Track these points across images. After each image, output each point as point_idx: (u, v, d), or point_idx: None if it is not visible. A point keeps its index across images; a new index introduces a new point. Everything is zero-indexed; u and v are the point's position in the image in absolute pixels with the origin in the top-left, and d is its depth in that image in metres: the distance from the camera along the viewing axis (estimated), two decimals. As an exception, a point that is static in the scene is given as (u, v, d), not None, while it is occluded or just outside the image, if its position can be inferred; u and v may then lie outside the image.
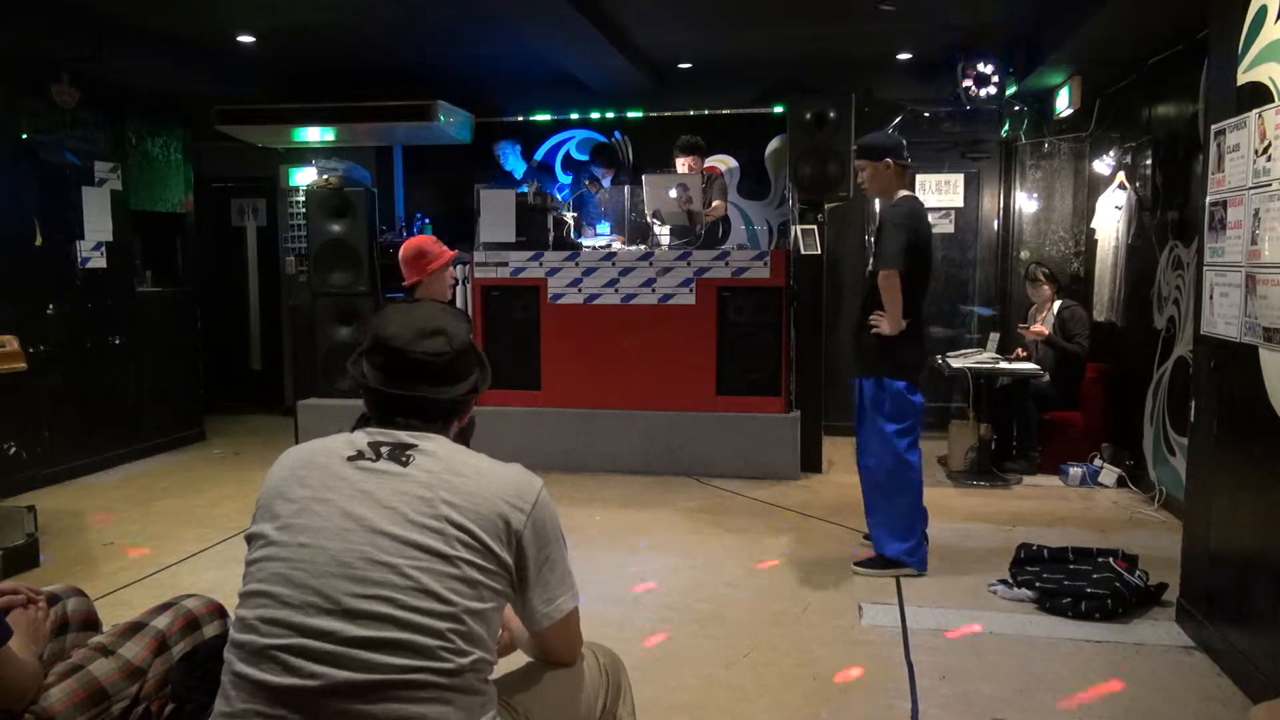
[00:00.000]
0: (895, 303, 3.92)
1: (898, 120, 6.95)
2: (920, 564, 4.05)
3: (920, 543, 4.06)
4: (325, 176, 6.58)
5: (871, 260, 4.22)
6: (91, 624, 2.03)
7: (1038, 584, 3.72)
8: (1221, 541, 3.18)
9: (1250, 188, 2.93)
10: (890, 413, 4.02)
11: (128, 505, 5.30)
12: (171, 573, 4.15)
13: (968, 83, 6.04)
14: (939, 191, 7.24)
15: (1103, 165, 6.32)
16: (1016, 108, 6.81)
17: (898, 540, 4.05)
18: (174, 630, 1.92)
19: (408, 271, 4.01)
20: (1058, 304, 6.16)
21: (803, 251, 5.94)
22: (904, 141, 4.19)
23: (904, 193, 4.08)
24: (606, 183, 6.91)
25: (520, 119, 7.64)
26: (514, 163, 7.21)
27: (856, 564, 4.12)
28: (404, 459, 1.55)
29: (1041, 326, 6.09)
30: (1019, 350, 6.30)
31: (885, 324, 3.96)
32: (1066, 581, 3.67)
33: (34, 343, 5.29)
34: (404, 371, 1.63)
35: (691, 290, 5.87)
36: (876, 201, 7.14)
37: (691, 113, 7.37)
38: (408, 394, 1.63)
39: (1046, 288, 6.20)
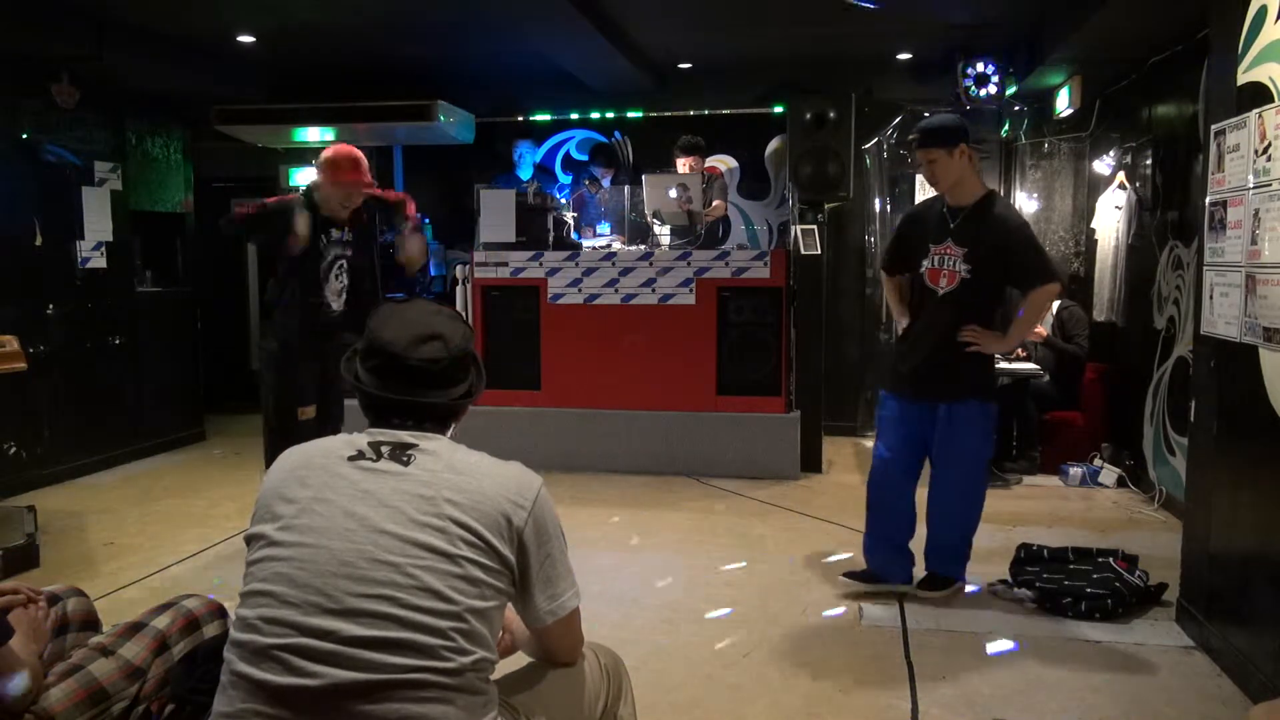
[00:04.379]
0: (1039, 320, 3.49)
1: (898, 120, 6.95)
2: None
3: None
4: (325, 176, 6.56)
5: (965, 273, 3.54)
6: (91, 624, 2.03)
7: (1038, 584, 3.72)
8: (1221, 541, 3.18)
9: (1250, 188, 2.93)
10: (988, 435, 3.74)
11: (128, 505, 5.30)
12: (171, 573, 4.15)
13: (968, 83, 6.04)
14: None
15: (1103, 165, 6.32)
16: (1016, 108, 6.81)
17: (963, 559, 3.83)
18: (174, 630, 1.93)
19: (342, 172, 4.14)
20: (1056, 304, 6.15)
21: (803, 251, 5.95)
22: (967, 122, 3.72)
23: (984, 189, 3.60)
24: (606, 183, 6.91)
25: (521, 119, 7.64)
26: (526, 167, 7.17)
27: (919, 586, 3.76)
28: (405, 459, 1.56)
29: (1040, 328, 6.08)
30: (1018, 350, 6.29)
31: (996, 342, 3.57)
32: (1066, 581, 3.67)
33: (34, 343, 5.28)
34: (399, 377, 1.62)
35: (691, 290, 5.87)
36: (877, 200, 7.23)
37: (691, 113, 7.36)
38: (403, 398, 1.63)
39: (1046, 288, 6.17)
